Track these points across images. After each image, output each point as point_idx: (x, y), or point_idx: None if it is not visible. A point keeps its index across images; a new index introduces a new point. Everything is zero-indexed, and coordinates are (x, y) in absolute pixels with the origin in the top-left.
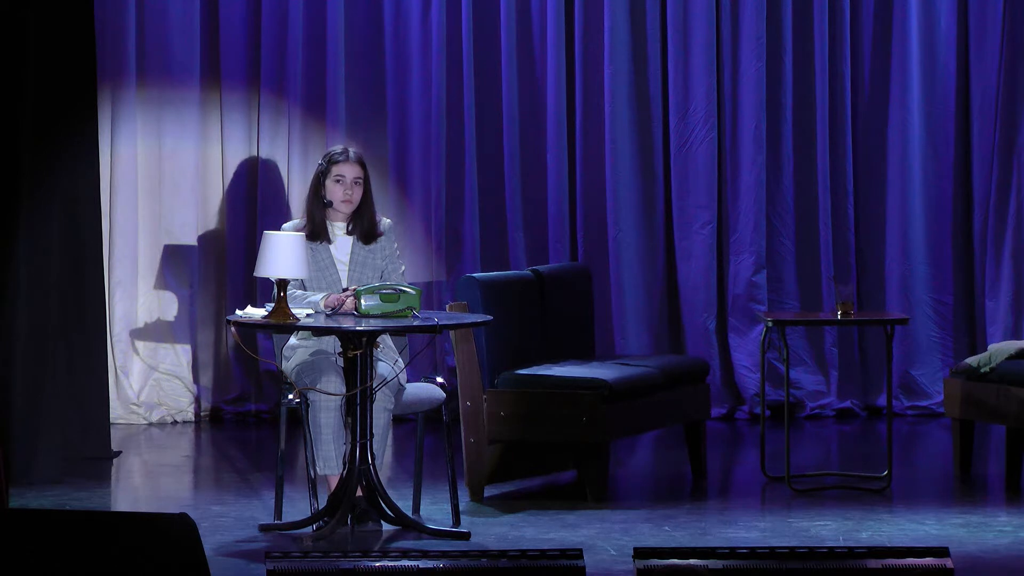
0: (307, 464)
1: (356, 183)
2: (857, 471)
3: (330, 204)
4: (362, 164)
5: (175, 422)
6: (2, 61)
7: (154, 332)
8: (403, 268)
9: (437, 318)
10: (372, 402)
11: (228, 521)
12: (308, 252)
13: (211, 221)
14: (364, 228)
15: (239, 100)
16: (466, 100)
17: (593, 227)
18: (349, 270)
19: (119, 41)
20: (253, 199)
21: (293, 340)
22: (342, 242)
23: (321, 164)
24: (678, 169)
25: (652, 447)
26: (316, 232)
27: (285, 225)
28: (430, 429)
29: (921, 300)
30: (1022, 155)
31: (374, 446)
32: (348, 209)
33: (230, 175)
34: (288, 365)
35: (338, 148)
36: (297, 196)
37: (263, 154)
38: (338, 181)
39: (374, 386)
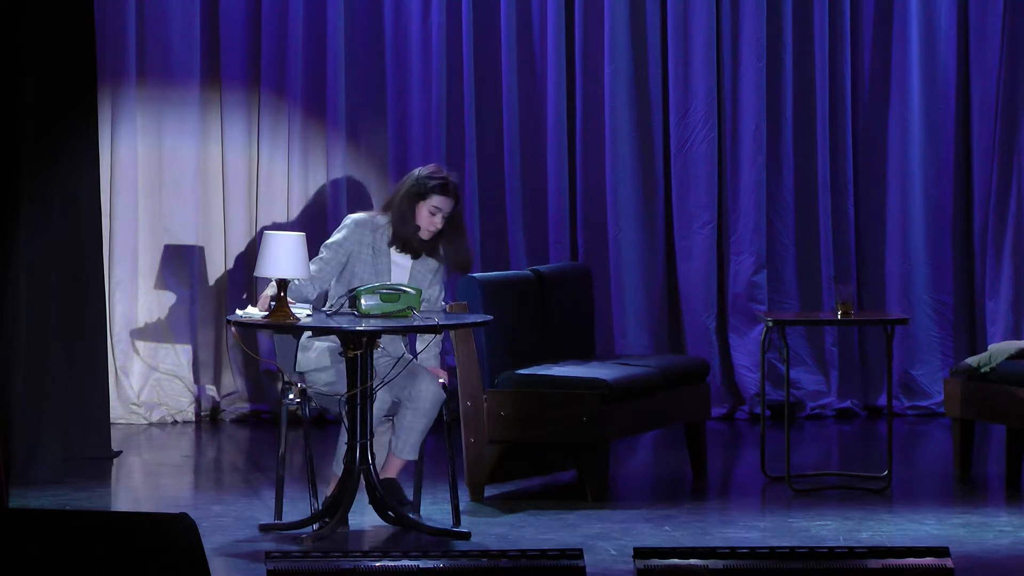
0: (307, 464)
1: (444, 215)
2: (857, 471)
3: (417, 228)
4: (457, 196)
5: (175, 422)
6: (2, 61)
7: (154, 332)
8: (443, 294)
9: (437, 318)
10: (372, 402)
11: (228, 521)
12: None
13: (211, 221)
14: (453, 258)
15: (239, 100)
16: (466, 100)
17: (593, 227)
18: (409, 278)
19: (119, 41)
20: (253, 199)
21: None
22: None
23: (420, 185)
24: (678, 169)
25: (652, 447)
26: (404, 245)
27: (355, 215)
28: (430, 429)
29: (921, 300)
30: (1022, 155)
31: (412, 439)
32: (429, 236)
33: (230, 175)
34: (307, 356)
35: (440, 176)
36: (297, 196)
37: (263, 154)
38: (433, 213)
39: (416, 358)
